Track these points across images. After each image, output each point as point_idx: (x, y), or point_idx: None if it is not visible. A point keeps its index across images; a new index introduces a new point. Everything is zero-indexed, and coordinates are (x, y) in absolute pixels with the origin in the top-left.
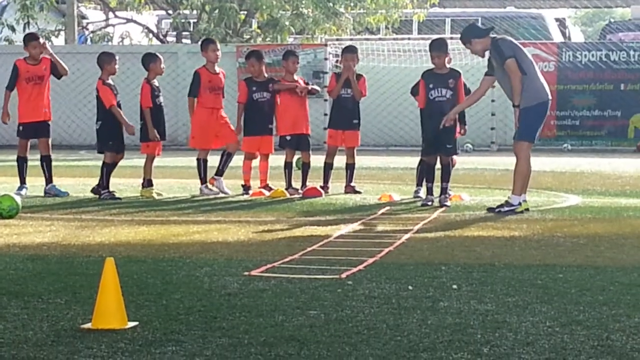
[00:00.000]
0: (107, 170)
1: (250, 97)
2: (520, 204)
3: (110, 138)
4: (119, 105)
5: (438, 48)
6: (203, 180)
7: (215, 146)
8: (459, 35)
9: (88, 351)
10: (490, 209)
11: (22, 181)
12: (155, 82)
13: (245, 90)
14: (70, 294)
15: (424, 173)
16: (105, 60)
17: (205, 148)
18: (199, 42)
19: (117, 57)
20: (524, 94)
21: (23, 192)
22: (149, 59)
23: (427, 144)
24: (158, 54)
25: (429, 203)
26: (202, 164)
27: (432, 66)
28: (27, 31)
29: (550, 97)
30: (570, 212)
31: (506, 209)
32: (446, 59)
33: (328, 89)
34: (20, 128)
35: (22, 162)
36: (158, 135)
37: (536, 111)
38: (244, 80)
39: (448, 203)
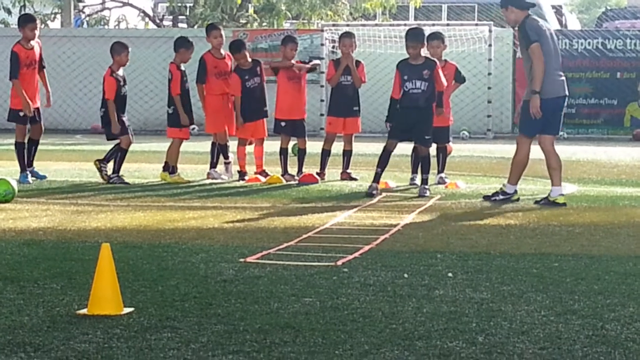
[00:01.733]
0: (121, 155)
1: (243, 85)
2: (515, 192)
3: (109, 124)
4: (124, 96)
5: (414, 38)
6: (213, 165)
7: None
8: (455, 22)
9: (83, 337)
10: (486, 197)
11: (23, 168)
12: (182, 67)
13: (238, 81)
14: (66, 279)
15: (380, 157)
16: (116, 50)
17: (222, 131)
18: (195, 27)
19: (129, 49)
20: (530, 87)
21: (29, 179)
22: (181, 44)
23: (394, 127)
24: (192, 42)
25: (374, 192)
26: (221, 148)
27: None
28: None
29: (566, 93)
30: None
31: (501, 197)
32: (422, 49)
33: (327, 76)
34: (21, 114)
35: (22, 148)
36: (188, 120)
37: (542, 106)
38: (235, 72)
39: (427, 194)
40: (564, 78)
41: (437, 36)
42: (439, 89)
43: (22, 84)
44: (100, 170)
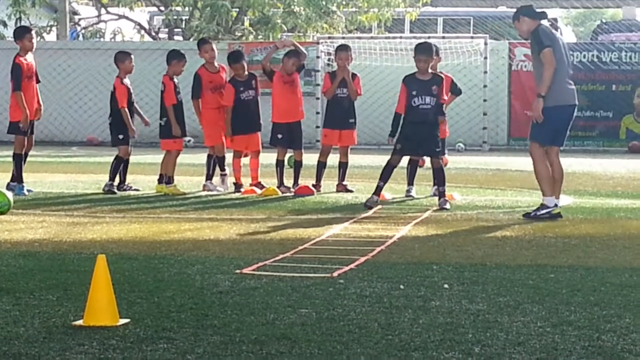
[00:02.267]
0: (117, 164)
1: (238, 97)
2: (556, 205)
3: (120, 132)
4: (132, 104)
5: (425, 51)
6: (209, 177)
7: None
8: (450, 35)
9: (79, 348)
10: (526, 215)
11: (20, 180)
12: (176, 80)
13: (232, 92)
14: (62, 290)
15: (383, 171)
16: (120, 59)
17: (220, 143)
18: (191, 40)
19: (132, 56)
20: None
21: (25, 191)
22: (173, 56)
23: (401, 142)
24: (184, 54)
25: (371, 205)
26: (218, 161)
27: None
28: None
29: (576, 102)
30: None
31: (542, 211)
32: (431, 63)
33: (323, 89)
34: (21, 125)
35: (20, 160)
36: (180, 132)
37: (552, 113)
38: (230, 82)
39: (447, 206)
40: (574, 87)
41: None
42: (441, 101)
43: (25, 95)
44: (114, 191)
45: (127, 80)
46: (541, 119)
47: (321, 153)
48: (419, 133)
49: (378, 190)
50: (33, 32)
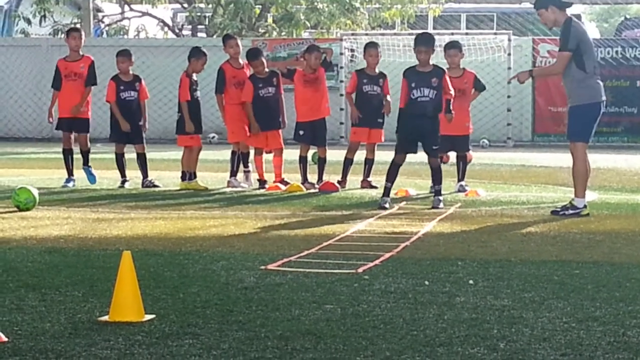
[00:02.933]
0: (116, 160)
1: (257, 93)
2: (585, 206)
3: (111, 128)
4: (129, 102)
5: (426, 42)
6: (233, 173)
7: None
8: (474, 31)
9: (105, 344)
10: (554, 212)
11: (70, 173)
12: (194, 77)
13: (251, 88)
14: (88, 286)
15: (388, 171)
16: (194, 55)
17: (244, 139)
18: (214, 36)
19: (206, 57)
20: (579, 91)
21: (70, 184)
22: (192, 54)
23: (401, 141)
24: (205, 52)
25: (385, 205)
26: (241, 157)
27: (443, 63)
28: (43, 24)
29: (604, 97)
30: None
31: (571, 212)
32: (431, 55)
33: (348, 88)
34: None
35: (67, 154)
36: (194, 128)
37: (588, 110)
38: (249, 78)
39: (441, 205)
40: (601, 83)
41: (454, 45)
42: (447, 97)
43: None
44: (150, 185)
45: (121, 77)
46: (523, 78)
47: (349, 150)
48: (417, 128)
49: (387, 192)
50: (78, 33)
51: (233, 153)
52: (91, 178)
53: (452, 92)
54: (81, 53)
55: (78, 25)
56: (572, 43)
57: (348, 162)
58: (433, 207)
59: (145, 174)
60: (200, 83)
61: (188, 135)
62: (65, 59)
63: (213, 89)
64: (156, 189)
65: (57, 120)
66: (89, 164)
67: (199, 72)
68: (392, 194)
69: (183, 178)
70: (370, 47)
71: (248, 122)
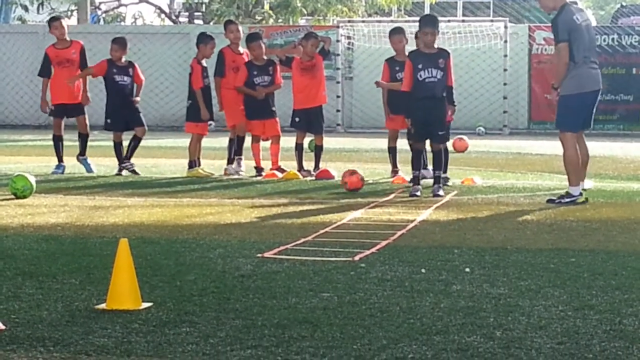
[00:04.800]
0: (114, 147)
1: (251, 81)
2: (581, 194)
3: (106, 116)
4: (122, 86)
5: (430, 23)
6: (230, 161)
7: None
8: (470, 18)
9: (102, 331)
10: (550, 200)
11: (60, 159)
12: (204, 63)
13: (245, 74)
14: (85, 274)
15: (413, 160)
16: (202, 41)
17: (241, 122)
18: (211, 23)
19: (214, 41)
20: (566, 81)
21: (60, 170)
22: (200, 40)
23: (416, 127)
24: (212, 36)
25: (417, 194)
26: (239, 141)
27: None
28: (41, 11)
29: (597, 87)
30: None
31: (567, 200)
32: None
33: (382, 79)
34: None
35: (57, 141)
36: (208, 115)
37: (576, 100)
38: (245, 65)
39: (441, 192)
40: (597, 71)
41: (398, 31)
42: (448, 83)
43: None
44: (129, 169)
45: (116, 62)
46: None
47: (390, 138)
48: (428, 113)
49: (416, 180)
50: (58, 22)
51: (230, 140)
52: (89, 168)
53: (453, 80)
54: (69, 39)
55: (57, 14)
56: (563, 34)
57: (394, 151)
58: (434, 196)
59: (128, 156)
60: (189, 69)
61: (195, 122)
62: (54, 47)
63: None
64: (153, 177)
65: (53, 107)
66: (86, 154)
67: (209, 57)
68: (388, 183)
69: (190, 166)
70: (394, 34)
71: (243, 106)
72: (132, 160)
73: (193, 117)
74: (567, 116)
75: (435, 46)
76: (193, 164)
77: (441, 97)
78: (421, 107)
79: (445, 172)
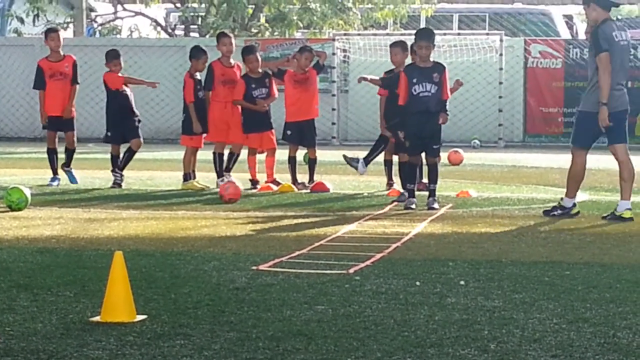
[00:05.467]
0: (111, 160)
1: (250, 94)
2: (574, 205)
3: (107, 129)
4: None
5: (426, 37)
6: (219, 174)
7: (228, 141)
8: (466, 32)
9: (97, 344)
10: (545, 212)
11: (55, 172)
12: (198, 76)
13: (242, 87)
14: (79, 287)
15: (406, 173)
16: (194, 55)
17: (220, 141)
18: (207, 36)
19: (207, 56)
20: (589, 96)
21: (55, 183)
22: (193, 54)
23: (411, 141)
24: (204, 50)
25: (412, 207)
26: (217, 158)
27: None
28: (36, 23)
29: (623, 107)
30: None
31: (559, 212)
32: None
33: (379, 90)
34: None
35: (52, 154)
36: (201, 129)
37: (593, 119)
38: (242, 78)
39: (436, 206)
40: (623, 91)
41: (397, 44)
42: (443, 97)
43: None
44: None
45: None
46: (608, 125)
47: (386, 151)
48: (422, 128)
49: (412, 194)
50: (56, 33)
51: (214, 154)
52: (73, 179)
53: (449, 93)
54: (62, 53)
55: (54, 25)
56: (603, 44)
57: (389, 164)
58: (429, 208)
59: (121, 167)
60: None
61: (189, 135)
62: (48, 59)
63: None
64: (148, 190)
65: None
66: (71, 165)
67: (202, 70)
68: (384, 195)
69: (185, 179)
70: (393, 47)
71: (234, 124)
72: (126, 172)
73: (187, 130)
74: (582, 132)
75: (432, 59)
76: (188, 176)
77: (435, 111)
78: (415, 121)
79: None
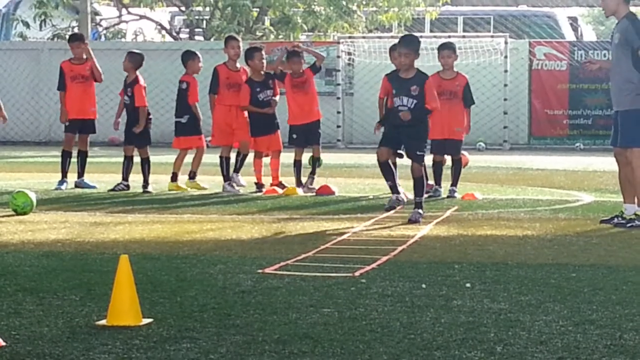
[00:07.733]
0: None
1: (255, 98)
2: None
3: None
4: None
5: (408, 44)
6: (226, 178)
7: (235, 144)
8: (471, 34)
9: (103, 348)
10: (603, 221)
11: (64, 174)
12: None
13: (247, 92)
14: (85, 290)
15: (382, 173)
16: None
17: (225, 145)
18: (212, 39)
19: (199, 56)
20: (635, 96)
21: (63, 186)
22: (186, 57)
23: (384, 134)
24: (197, 52)
25: (394, 205)
26: (224, 162)
27: (439, 65)
28: (43, 28)
29: None
30: (582, 211)
31: (638, 222)
32: (414, 59)
33: (381, 93)
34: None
35: (66, 156)
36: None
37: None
38: (246, 83)
39: (420, 219)
40: None
41: (448, 46)
42: (428, 107)
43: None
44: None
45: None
46: None
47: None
48: (398, 135)
49: (395, 189)
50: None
51: (220, 158)
52: (91, 186)
53: (437, 103)
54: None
55: (81, 32)
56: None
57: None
58: (411, 222)
59: (124, 177)
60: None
61: (186, 136)
62: (70, 62)
63: (205, 88)
64: (151, 194)
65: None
66: (84, 175)
67: (199, 72)
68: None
69: (190, 177)
70: (443, 49)
71: (239, 127)
72: (131, 176)
73: (186, 132)
74: (638, 131)
75: (416, 66)
76: (172, 175)
77: (412, 125)
78: (393, 130)
79: (455, 185)
